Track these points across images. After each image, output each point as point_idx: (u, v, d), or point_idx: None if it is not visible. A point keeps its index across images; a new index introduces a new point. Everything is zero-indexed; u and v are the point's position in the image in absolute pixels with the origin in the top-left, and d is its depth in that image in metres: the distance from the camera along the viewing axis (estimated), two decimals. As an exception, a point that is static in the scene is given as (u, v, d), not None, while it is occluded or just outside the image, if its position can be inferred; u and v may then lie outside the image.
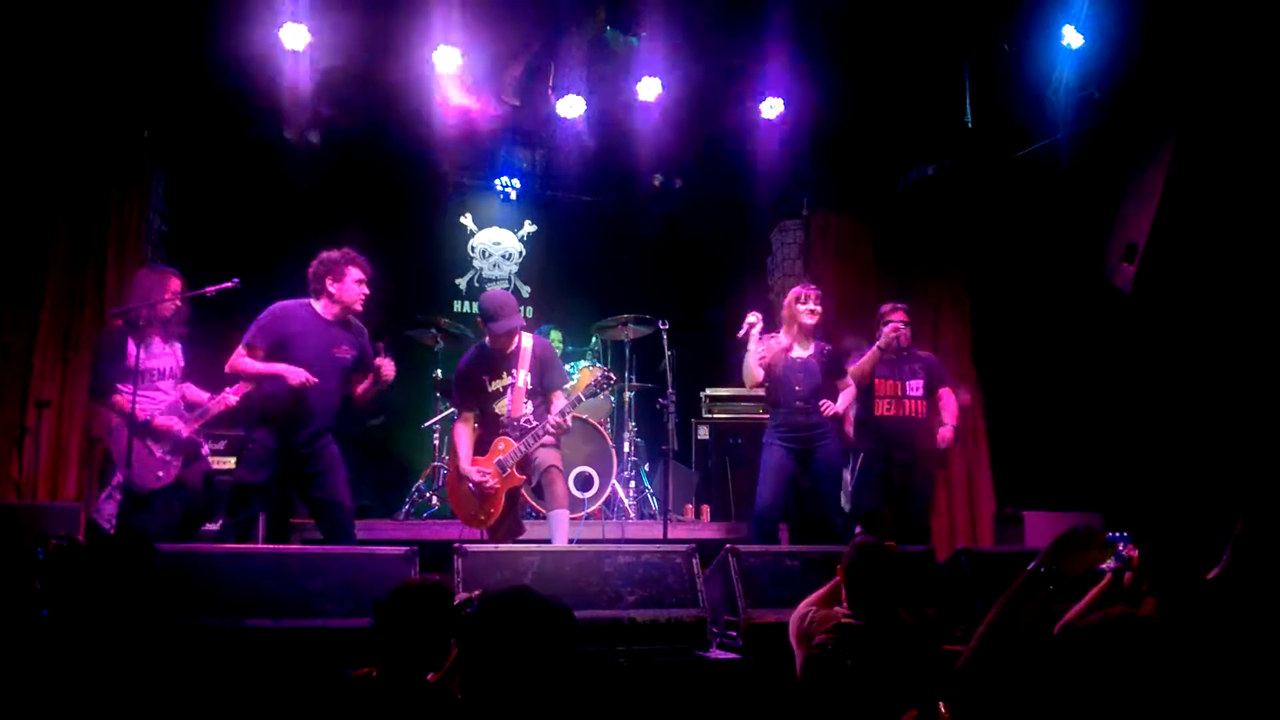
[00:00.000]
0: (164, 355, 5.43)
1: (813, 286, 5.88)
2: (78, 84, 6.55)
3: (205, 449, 5.62)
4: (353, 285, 5.03)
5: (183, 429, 5.26)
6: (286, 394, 4.85)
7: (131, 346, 5.15)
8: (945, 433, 6.12)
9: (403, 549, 4.34)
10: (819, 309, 5.77)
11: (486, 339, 5.51)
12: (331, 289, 5.04)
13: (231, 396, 5.28)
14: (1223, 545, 2.66)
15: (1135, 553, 2.34)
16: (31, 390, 6.25)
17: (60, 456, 6.34)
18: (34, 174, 6.42)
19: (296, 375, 4.81)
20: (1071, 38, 6.42)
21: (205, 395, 5.47)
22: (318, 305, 5.08)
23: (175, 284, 5.41)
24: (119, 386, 5.22)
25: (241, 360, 4.96)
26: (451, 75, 6.70)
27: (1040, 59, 6.64)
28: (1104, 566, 2.16)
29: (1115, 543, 2.18)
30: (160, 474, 5.22)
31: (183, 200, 7.44)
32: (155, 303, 5.30)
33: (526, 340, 5.51)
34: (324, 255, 5.08)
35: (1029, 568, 2.12)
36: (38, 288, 6.39)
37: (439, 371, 7.46)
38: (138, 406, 5.08)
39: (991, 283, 7.82)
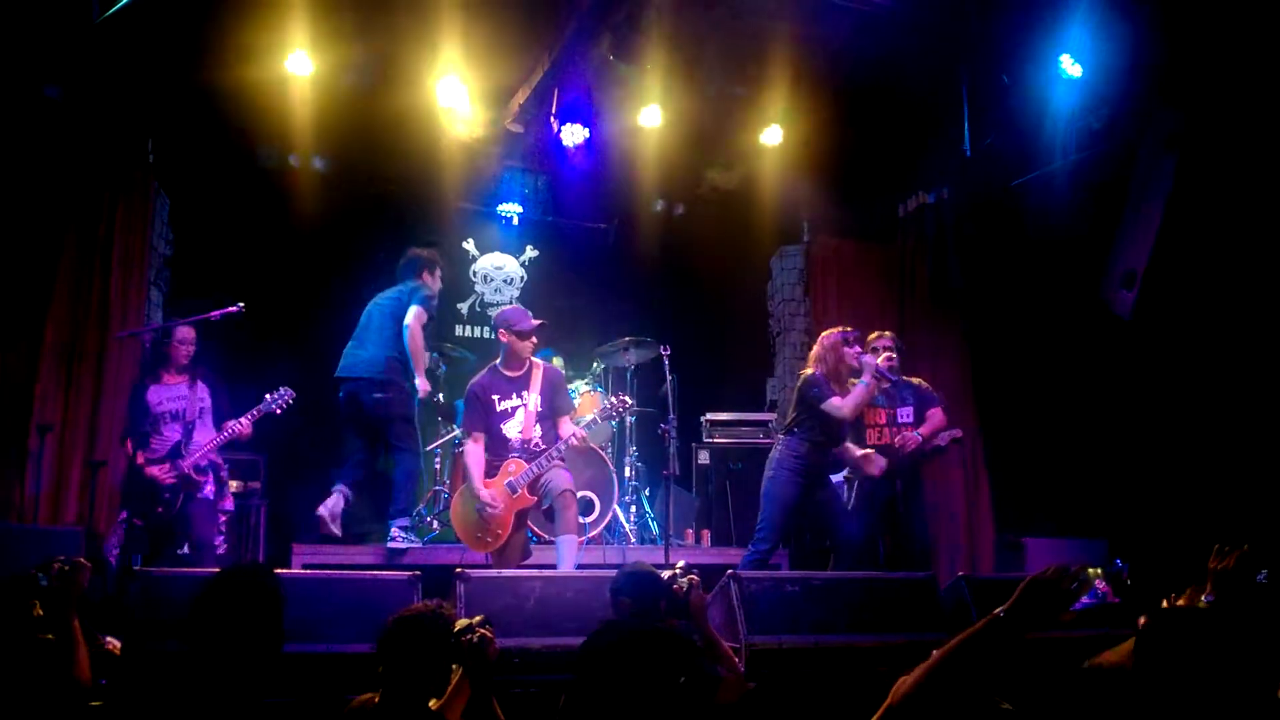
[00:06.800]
0: (178, 399, 5.75)
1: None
2: (81, 107, 6.60)
3: (207, 484, 5.76)
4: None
5: (165, 477, 5.56)
6: None
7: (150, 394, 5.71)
8: (909, 434, 6.02)
9: (405, 574, 4.34)
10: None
11: (498, 361, 5.73)
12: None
13: (241, 424, 5.68)
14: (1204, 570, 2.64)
15: (1108, 588, 2.20)
16: (34, 414, 6.25)
17: (62, 480, 6.32)
18: (37, 199, 6.43)
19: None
20: (1070, 68, 6.48)
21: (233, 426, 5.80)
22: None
23: (180, 333, 5.83)
24: (142, 429, 5.67)
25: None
26: (455, 103, 6.77)
27: (1039, 89, 6.71)
28: (1078, 605, 2.01)
29: (1090, 580, 2.03)
30: (160, 510, 5.55)
31: (187, 225, 7.48)
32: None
33: (538, 365, 5.73)
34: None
35: (994, 612, 1.95)
36: (40, 312, 6.39)
37: (440, 395, 7.47)
38: (144, 449, 5.57)
39: (992, 308, 7.85)
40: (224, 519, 5.95)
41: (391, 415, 6.15)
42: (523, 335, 5.65)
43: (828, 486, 5.87)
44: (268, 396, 5.80)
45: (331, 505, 6.05)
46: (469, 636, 2.84)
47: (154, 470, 5.56)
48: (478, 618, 2.92)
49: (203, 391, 5.85)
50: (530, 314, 5.75)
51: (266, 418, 5.82)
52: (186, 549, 5.61)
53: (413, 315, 6.17)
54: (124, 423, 5.81)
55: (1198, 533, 5.68)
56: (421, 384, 6.24)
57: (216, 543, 5.80)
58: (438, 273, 6.54)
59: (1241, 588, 2.57)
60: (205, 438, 5.73)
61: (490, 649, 2.85)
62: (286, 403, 5.85)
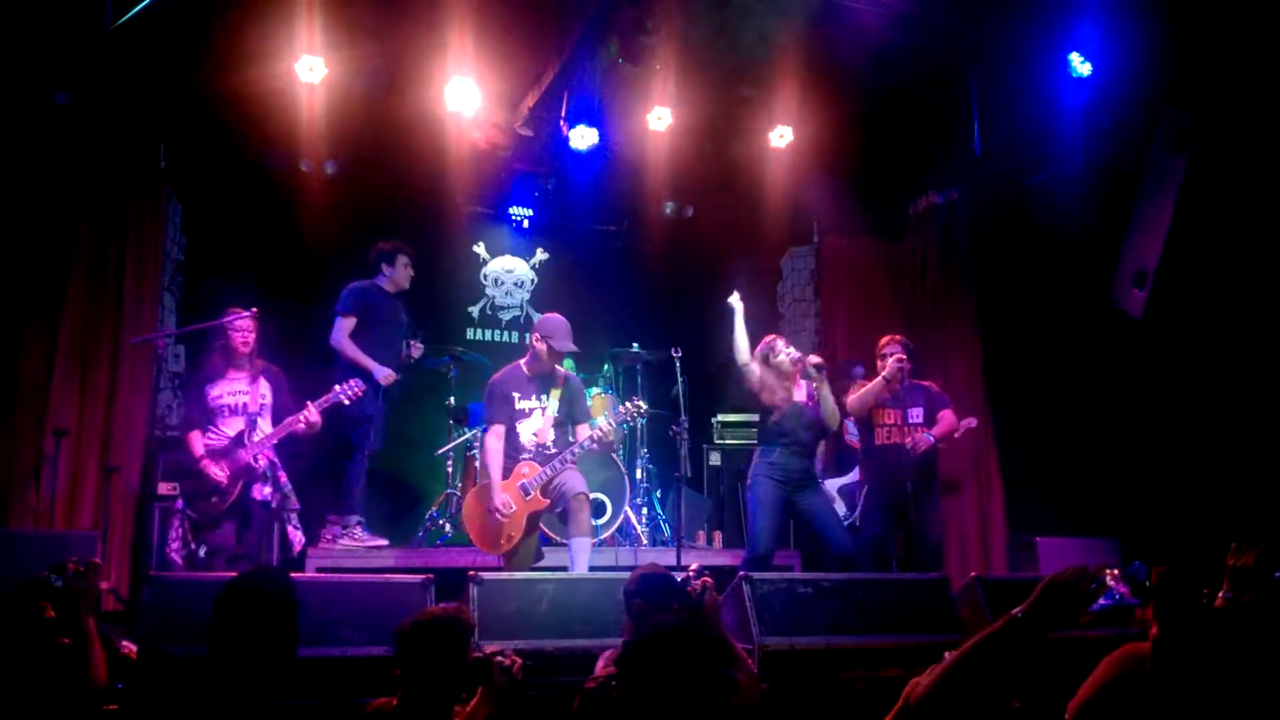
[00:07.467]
0: (238, 393, 5.70)
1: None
2: (93, 113, 6.64)
3: (266, 486, 5.67)
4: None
5: (216, 473, 5.50)
6: None
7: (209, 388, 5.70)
8: (920, 436, 5.99)
9: (419, 577, 4.35)
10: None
11: (523, 361, 5.77)
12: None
13: (309, 412, 5.61)
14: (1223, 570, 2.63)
15: (1126, 589, 2.19)
16: (49, 418, 6.29)
17: (77, 484, 6.36)
18: (50, 205, 6.47)
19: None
20: (1079, 66, 6.47)
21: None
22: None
23: (236, 322, 5.74)
24: (199, 423, 5.69)
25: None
26: (465, 106, 6.79)
27: (1048, 88, 6.70)
28: (1096, 606, 2.00)
29: (1106, 582, 2.02)
30: (215, 500, 5.51)
31: (199, 230, 7.52)
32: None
33: (560, 372, 5.79)
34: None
35: (1011, 613, 1.95)
36: (55, 317, 6.43)
37: (452, 399, 7.49)
38: (201, 442, 5.59)
39: (1002, 308, 7.83)
40: (295, 514, 5.91)
41: (345, 415, 6.06)
42: (555, 354, 5.65)
43: (817, 493, 5.80)
44: (336, 388, 5.68)
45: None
46: (502, 659, 2.84)
47: (208, 465, 5.50)
48: (512, 648, 2.93)
49: (265, 388, 5.76)
50: (571, 335, 5.67)
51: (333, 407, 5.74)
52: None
53: (334, 331, 6.26)
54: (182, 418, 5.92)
55: (1211, 531, 5.68)
56: (380, 372, 6.20)
57: (294, 539, 5.77)
58: (399, 261, 6.56)
59: (1261, 585, 2.56)
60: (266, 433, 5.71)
61: (518, 673, 2.85)
62: (355, 394, 5.71)
